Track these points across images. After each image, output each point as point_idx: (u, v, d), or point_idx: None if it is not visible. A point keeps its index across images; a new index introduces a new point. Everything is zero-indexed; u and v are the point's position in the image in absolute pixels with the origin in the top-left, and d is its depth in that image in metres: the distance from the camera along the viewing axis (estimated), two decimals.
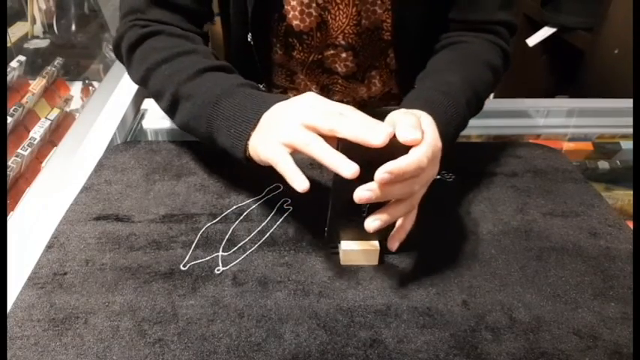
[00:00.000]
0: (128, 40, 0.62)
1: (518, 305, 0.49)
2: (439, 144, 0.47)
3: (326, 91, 0.76)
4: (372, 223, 0.45)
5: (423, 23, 0.67)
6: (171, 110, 0.58)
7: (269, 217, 0.59)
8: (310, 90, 0.76)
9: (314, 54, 0.70)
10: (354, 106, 0.80)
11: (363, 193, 0.44)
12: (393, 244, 0.49)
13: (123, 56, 0.65)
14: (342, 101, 0.79)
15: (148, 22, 0.63)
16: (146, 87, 0.61)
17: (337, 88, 0.75)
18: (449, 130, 0.55)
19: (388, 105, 0.83)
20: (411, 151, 0.44)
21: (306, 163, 0.68)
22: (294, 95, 0.80)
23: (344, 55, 0.69)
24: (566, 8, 1.70)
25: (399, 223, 0.49)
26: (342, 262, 0.53)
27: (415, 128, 0.44)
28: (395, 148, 0.45)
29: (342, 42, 0.68)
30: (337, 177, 0.47)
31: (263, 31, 0.69)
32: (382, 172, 0.42)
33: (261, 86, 0.77)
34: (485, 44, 0.66)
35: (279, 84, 0.78)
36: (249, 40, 0.68)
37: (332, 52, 0.70)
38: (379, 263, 0.53)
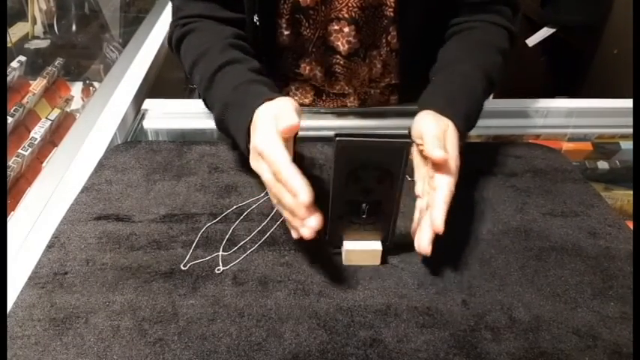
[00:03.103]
0: (173, 41, 0.71)
1: (517, 305, 0.49)
2: (458, 162, 0.52)
3: (329, 75, 0.77)
4: (427, 246, 0.50)
5: (425, 2, 0.69)
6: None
7: (269, 217, 0.59)
8: (315, 75, 0.77)
9: (319, 29, 0.71)
10: (355, 99, 0.80)
11: (429, 249, 0.49)
12: (429, 248, 0.50)
13: (175, 54, 0.73)
14: (343, 90, 0.79)
15: (187, 19, 0.69)
16: None
17: (339, 70, 0.75)
18: (468, 126, 0.60)
19: (388, 101, 0.83)
20: (443, 183, 0.50)
21: (307, 163, 0.68)
22: (295, 90, 0.80)
23: (347, 29, 0.71)
24: (565, 8, 1.70)
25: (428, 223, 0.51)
26: (344, 262, 0.53)
27: (440, 147, 0.50)
28: (391, 150, 0.45)
29: (346, 15, 0.70)
30: (336, 180, 0.48)
31: (269, 12, 0.70)
32: (440, 225, 0.48)
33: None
34: (492, 28, 0.69)
35: (284, 72, 0.78)
36: (255, 20, 0.69)
37: (336, 27, 0.71)
38: (381, 263, 0.53)
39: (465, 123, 0.57)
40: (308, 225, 0.45)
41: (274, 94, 0.55)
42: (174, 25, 0.71)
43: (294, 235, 0.49)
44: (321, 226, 0.45)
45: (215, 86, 0.62)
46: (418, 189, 0.54)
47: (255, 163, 0.51)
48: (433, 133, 0.51)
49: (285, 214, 0.48)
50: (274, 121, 0.50)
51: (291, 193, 0.45)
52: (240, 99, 0.57)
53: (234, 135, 0.58)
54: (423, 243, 0.49)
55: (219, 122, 0.61)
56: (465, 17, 0.70)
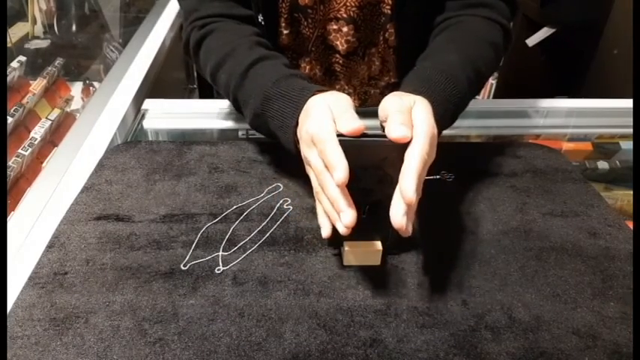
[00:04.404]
0: (191, 43, 0.69)
1: (517, 305, 0.49)
2: (434, 130, 0.48)
3: (329, 75, 0.77)
4: (401, 219, 0.44)
5: None
6: (241, 114, 0.64)
7: (269, 217, 0.59)
8: (315, 74, 0.77)
9: (318, 29, 0.71)
10: (356, 99, 0.80)
11: (403, 221, 0.44)
12: (409, 229, 0.46)
13: (192, 58, 0.72)
14: (343, 90, 0.80)
15: (204, 19, 0.68)
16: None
17: (339, 69, 0.76)
18: (448, 108, 0.56)
19: None
20: (411, 151, 0.45)
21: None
22: None
23: (345, 29, 0.71)
24: (565, 8, 1.70)
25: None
26: (344, 263, 0.53)
27: (404, 125, 0.45)
28: (391, 150, 0.45)
29: (344, 15, 0.70)
30: None
31: (271, 11, 0.70)
32: (410, 195, 0.43)
33: None
34: (484, 22, 0.67)
35: None
36: (259, 20, 0.69)
37: (334, 26, 0.71)
38: (381, 263, 0.53)
39: (442, 104, 0.54)
40: (343, 220, 0.44)
41: (324, 87, 0.54)
42: (190, 27, 0.70)
43: (324, 233, 0.49)
44: (354, 225, 0.44)
45: (249, 83, 0.60)
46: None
47: (306, 149, 0.49)
48: (395, 109, 0.47)
49: (325, 205, 0.48)
50: (330, 111, 0.48)
51: (330, 168, 0.44)
52: (285, 91, 0.55)
53: (276, 128, 0.56)
54: (396, 216, 0.44)
55: (255, 117, 0.59)
56: (459, 11, 0.69)
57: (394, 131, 0.44)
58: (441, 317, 0.47)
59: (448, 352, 0.44)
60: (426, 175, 0.48)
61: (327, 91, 0.53)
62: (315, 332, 0.46)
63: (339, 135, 0.45)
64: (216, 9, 0.68)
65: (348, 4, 0.69)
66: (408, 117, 0.47)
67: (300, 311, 0.48)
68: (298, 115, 0.53)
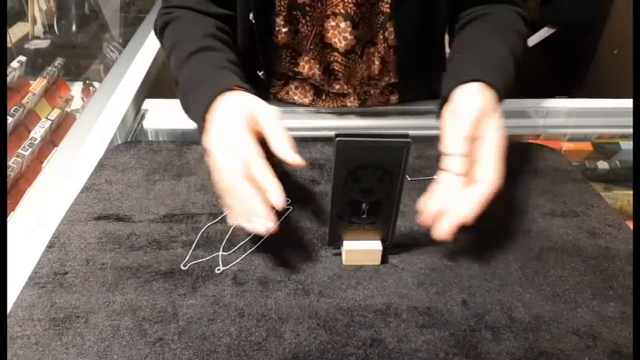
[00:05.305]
0: (158, 27, 0.73)
1: (517, 305, 0.49)
2: (490, 108, 0.53)
3: (328, 74, 0.77)
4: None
5: None
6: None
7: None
8: (314, 73, 0.77)
9: (316, 26, 0.71)
10: (355, 99, 0.80)
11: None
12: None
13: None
14: (343, 93, 0.79)
15: (174, 8, 0.71)
16: None
17: (338, 68, 0.76)
18: (507, 95, 0.59)
19: (388, 101, 0.83)
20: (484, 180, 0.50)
21: (307, 163, 0.68)
22: (295, 89, 0.80)
23: (343, 25, 0.71)
24: (565, 8, 1.70)
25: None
26: (344, 262, 0.53)
27: (464, 139, 0.49)
28: (391, 150, 0.45)
29: (342, 10, 0.70)
30: (336, 180, 0.48)
31: (266, 10, 0.70)
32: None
33: (260, 74, 0.78)
34: (507, 14, 0.70)
35: (282, 70, 0.79)
36: (250, 18, 0.69)
37: (332, 23, 0.72)
38: (381, 263, 0.53)
39: (504, 93, 0.57)
40: (266, 224, 0.46)
41: (246, 85, 0.56)
42: (161, 12, 0.73)
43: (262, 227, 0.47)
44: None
45: (187, 66, 0.62)
46: (450, 165, 0.52)
47: (222, 156, 0.50)
48: (472, 116, 0.51)
49: (238, 214, 0.48)
50: (246, 118, 0.50)
51: (265, 188, 0.46)
52: (208, 78, 0.58)
53: (192, 108, 0.59)
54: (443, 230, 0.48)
55: (183, 101, 0.62)
56: (476, 7, 0.71)
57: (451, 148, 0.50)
58: (441, 317, 0.47)
59: (448, 352, 0.44)
60: (426, 176, 0.48)
61: (246, 89, 0.55)
62: (315, 332, 0.46)
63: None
64: (187, 2, 0.71)
65: (345, 0, 0.69)
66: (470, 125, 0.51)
67: (300, 311, 0.48)
68: (212, 100, 0.53)
